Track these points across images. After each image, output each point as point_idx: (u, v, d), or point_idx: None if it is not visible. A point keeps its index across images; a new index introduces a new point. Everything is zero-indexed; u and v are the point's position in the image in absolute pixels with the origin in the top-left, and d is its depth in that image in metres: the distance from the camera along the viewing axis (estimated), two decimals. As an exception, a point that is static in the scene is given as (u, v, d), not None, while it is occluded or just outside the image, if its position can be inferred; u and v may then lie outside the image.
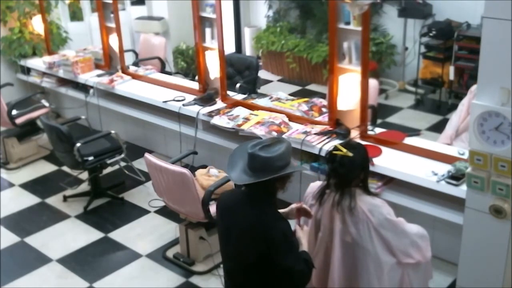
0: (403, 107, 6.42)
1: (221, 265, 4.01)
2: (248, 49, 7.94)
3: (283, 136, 4.22)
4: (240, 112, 4.66)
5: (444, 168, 3.60)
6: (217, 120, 4.60)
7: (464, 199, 3.08)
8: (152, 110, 5.34)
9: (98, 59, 6.05)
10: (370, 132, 4.12)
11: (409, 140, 3.99)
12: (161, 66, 6.31)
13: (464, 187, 3.22)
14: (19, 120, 5.71)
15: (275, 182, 2.57)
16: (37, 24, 6.53)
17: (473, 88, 3.91)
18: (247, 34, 7.90)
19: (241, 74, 5.78)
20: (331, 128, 4.18)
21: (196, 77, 5.33)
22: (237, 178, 2.56)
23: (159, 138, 5.72)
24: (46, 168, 5.73)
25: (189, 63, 7.20)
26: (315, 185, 3.00)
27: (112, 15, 5.73)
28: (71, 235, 4.63)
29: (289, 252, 2.53)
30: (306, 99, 4.76)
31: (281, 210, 2.81)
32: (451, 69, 5.96)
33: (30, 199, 5.18)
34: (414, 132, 5.31)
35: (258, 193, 2.58)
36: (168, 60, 6.74)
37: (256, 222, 2.54)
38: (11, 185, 5.48)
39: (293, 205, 2.86)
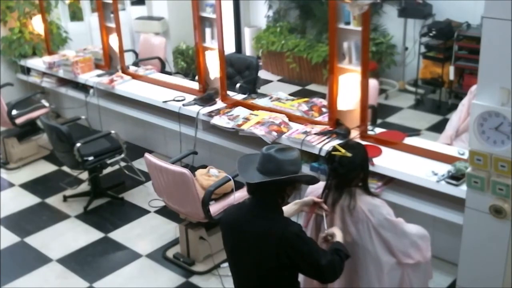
0: (403, 107, 6.42)
1: (221, 265, 4.04)
2: (248, 49, 7.94)
3: (283, 136, 4.23)
4: (240, 112, 4.66)
5: (444, 168, 3.60)
6: (217, 120, 4.60)
7: (464, 199, 3.08)
8: (152, 110, 5.34)
9: (98, 59, 6.05)
10: (370, 132, 4.12)
11: (409, 140, 3.99)
12: (161, 66, 6.31)
13: (464, 187, 3.22)
14: (19, 120, 5.71)
15: (285, 188, 2.56)
16: (37, 24, 6.53)
17: (473, 88, 3.91)
18: (247, 34, 7.90)
19: (241, 74, 5.77)
20: (331, 128, 4.18)
21: (196, 77, 5.33)
22: (250, 178, 2.53)
23: (159, 138, 5.72)
24: (46, 168, 5.73)
25: (189, 63, 7.20)
26: (315, 186, 3.00)
27: (112, 15, 5.73)
28: (71, 235, 4.63)
29: (309, 250, 2.51)
30: (306, 99, 4.76)
31: (297, 201, 2.81)
32: (451, 69, 5.96)
33: (30, 199, 5.18)
34: (414, 132, 5.31)
35: (266, 202, 2.56)
36: (168, 60, 6.74)
37: (268, 231, 2.50)
38: (11, 185, 5.48)
39: (311, 197, 2.87)
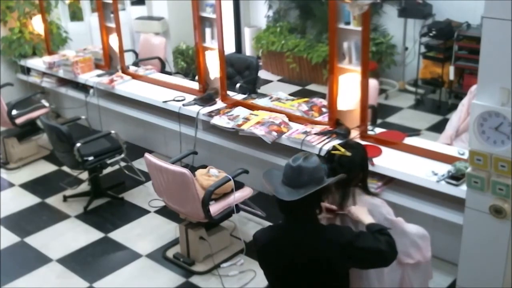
0: (403, 107, 6.42)
1: (221, 265, 4.04)
2: (248, 49, 7.94)
3: (283, 136, 4.22)
4: (240, 112, 4.66)
5: (444, 168, 3.59)
6: (217, 120, 4.60)
7: (464, 199, 3.08)
8: (152, 110, 5.34)
9: (98, 59, 6.05)
10: (370, 132, 4.12)
11: (409, 140, 3.99)
12: (161, 66, 6.31)
13: (464, 187, 3.22)
14: (19, 120, 5.71)
15: (321, 195, 2.59)
16: (37, 24, 6.53)
17: (473, 88, 3.91)
18: (247, 34, 7.90)
19: (241, 74, 5.77)
20: (331, 128, 4.18)
21: (196, 77, 5.33)
22: (289, 196, 2.49)
23: (159, 138, 5.72)
24: (46, 168, 5.73)
25: (189, 63, 7.20)
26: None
27: (112, 15, 5.73)
28: (71, 235, 4.63)
29: (368, 242, 2.54)
30: (306, 99, 4.76)
31: None
32: (451, 69, 5.96)
33: (30, 199, 5.17)
34: (414, 132, 5.31)
35: (307, 216, 2.58)
36: (168, 60, 6.74)
37: (326, 244, 2.52)
38: (11, 185, 5.48)
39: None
